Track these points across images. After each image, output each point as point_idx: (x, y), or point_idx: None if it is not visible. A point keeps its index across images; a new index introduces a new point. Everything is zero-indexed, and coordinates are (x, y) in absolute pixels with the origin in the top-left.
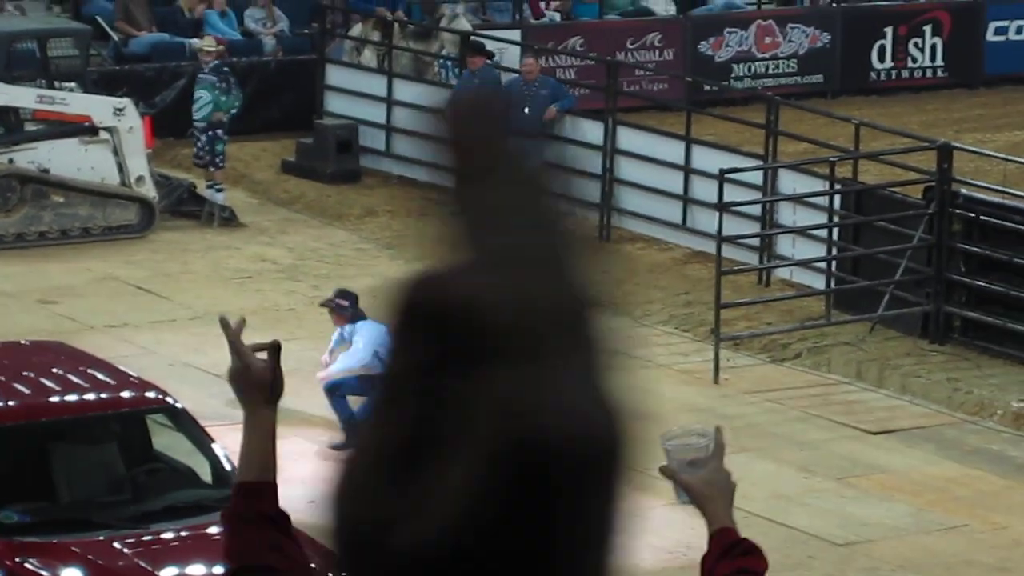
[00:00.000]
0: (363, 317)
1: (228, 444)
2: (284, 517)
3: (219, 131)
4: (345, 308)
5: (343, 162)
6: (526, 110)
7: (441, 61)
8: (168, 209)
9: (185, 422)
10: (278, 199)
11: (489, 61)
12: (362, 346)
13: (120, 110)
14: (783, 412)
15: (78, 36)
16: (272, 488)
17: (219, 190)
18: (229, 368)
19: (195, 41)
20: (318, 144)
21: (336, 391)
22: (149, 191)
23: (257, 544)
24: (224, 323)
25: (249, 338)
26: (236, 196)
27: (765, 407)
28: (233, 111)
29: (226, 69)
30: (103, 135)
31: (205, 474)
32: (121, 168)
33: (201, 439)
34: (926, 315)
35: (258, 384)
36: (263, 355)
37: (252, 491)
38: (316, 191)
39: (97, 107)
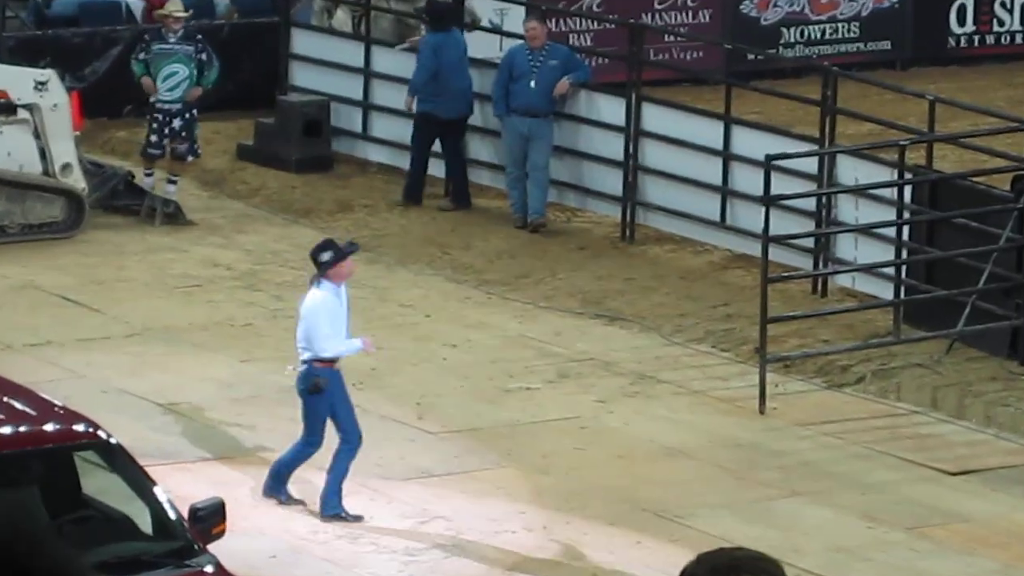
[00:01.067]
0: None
1: (172, 487)
2: None
3: (194, 111)
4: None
5: (312, 147)
6: (532, 84)
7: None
8: (100, 203)
9: (120, 461)
10: (233, 191)
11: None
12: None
13: (42, 84)
14: (843, 448)
15: None
16: None
17: (172, 181)
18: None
19: (162, 9)
20: (281, 125)
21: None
22: (77, 181)
23: None
24: None
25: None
26: (183, 188)
27: (821, 442)
28: (210, 86)
29: (200, 36)
30: (21, 114)
31: (144, 524)
32: (43, 154)
33: (140, 481)
34: (1015, 331)
35: None
36: None
37: None
38: (279, 181)
39: (14, 80)
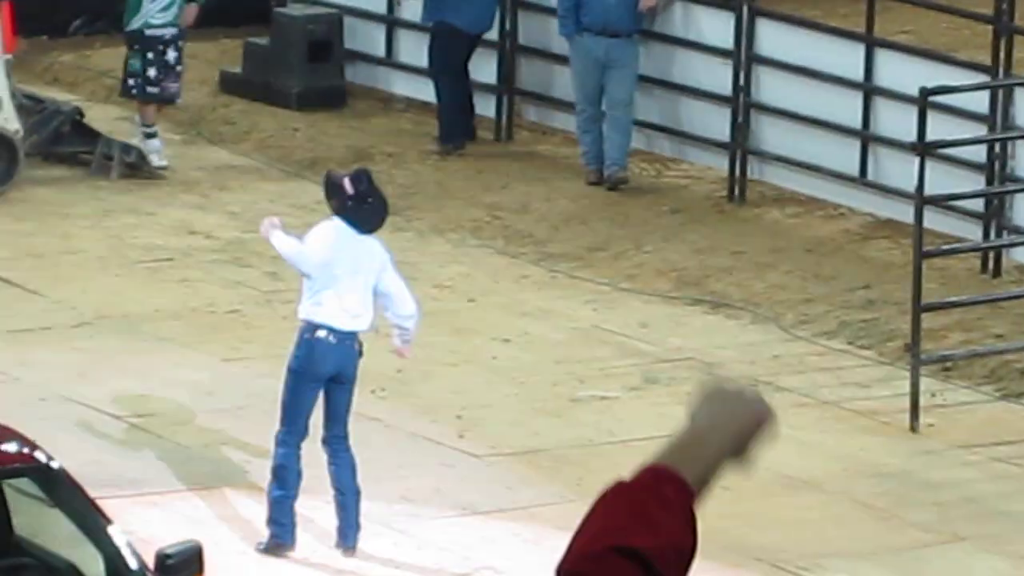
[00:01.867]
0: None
1: (133, 526)
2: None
3: (181, 41)
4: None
5: (318, 76)
6: None
7: None
8: (40, 150)
9: (64, 491)
10: (214, 135)
11: None
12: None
13: None
14: (1020, 479)
15: None
16: (693, 502)
17: (150, 133)
18: (752, 393)
19: None
20: (279, 46)
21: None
22: (9, 121)
23: (656, 528)
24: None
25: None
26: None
27: (992, 471)
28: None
29: None
30: None
31: (95, 573)
32: None
33: (89, 519)
34: None
35: (757, 434)
36: None
37: (676, 487)
38: (274, 122)
39: None
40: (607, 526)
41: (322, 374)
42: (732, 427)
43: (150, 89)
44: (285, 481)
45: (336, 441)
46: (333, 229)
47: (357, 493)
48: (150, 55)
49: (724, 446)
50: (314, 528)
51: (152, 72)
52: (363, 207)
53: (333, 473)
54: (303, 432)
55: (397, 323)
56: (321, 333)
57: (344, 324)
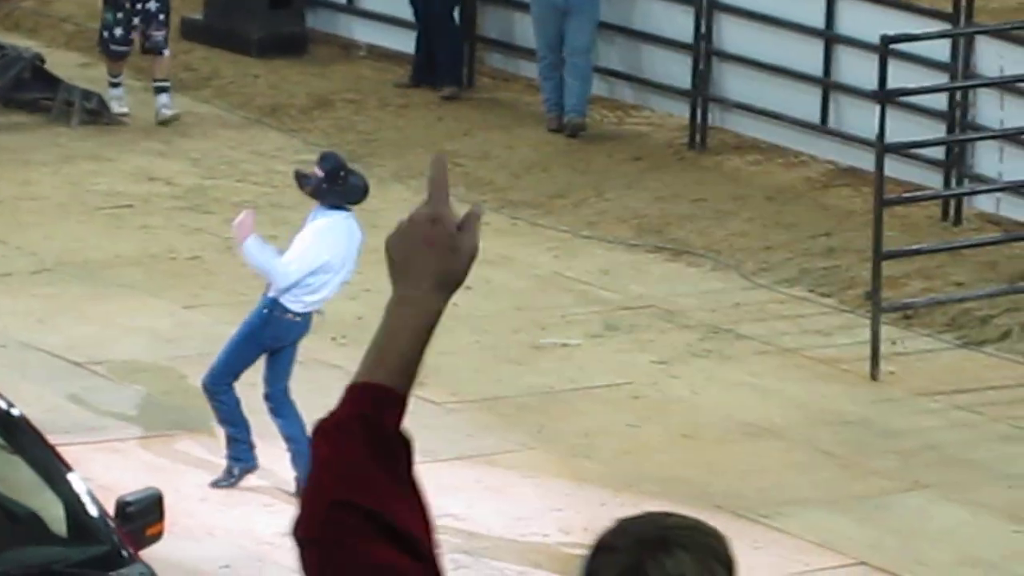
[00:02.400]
0: (335, 202)
1: (93, 473)
2: (407, 445)
3: None
4: (309, 180)
5: (279, 21)
6: None
7: None
8: (0, 96)
9: (24, 440)
10: (176, 81)
11: None
12: (303, 246)
13: None
14: (981, 427)
15: None
16: (402, 403)
17: (162, 88)
18: (407, 217)
19: None
20: None
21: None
22: None
23: (367, 469)
24: (438, 160)
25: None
26: (102, 78)
27: (953, 418)
28: None
29: None
30: None
31: (55, 521)
32: None
33: (49, 466)
34: None
35: (438, 253)
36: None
37: (376, 397)
38: (235, 68)
39: None
40: (323, 481)
41: (276, 346)
42: (418, 264)
43: (115, 47)
44: (239, 422)
45: (281, 395)
46: (314, 237)
47: (309, 440)
48: (120, 14)
49: (426, 290)
50: (272, 476)
51: (119, 31)
52: (337, 184)
53: (281, 426)
54: (238, 377)
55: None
56: (288, 316)
57: (313, 307)
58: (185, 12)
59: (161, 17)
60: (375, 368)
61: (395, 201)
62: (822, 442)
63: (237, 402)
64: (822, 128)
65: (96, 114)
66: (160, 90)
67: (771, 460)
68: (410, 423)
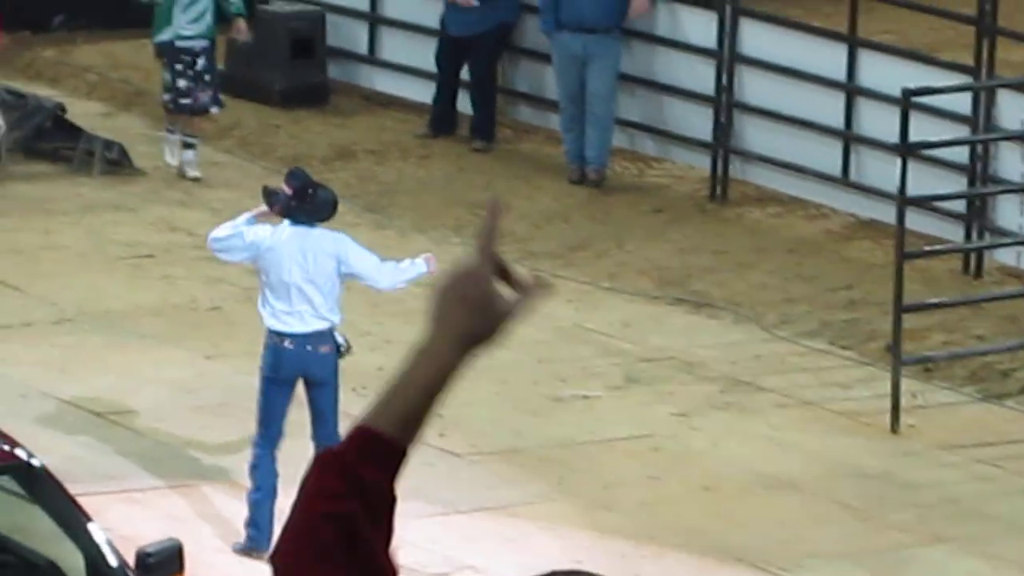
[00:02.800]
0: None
1: (113, 523)
2: (388, 499)
3: (212, 51)
4: (278, 198)
5: (302, 73)
6: None
7: None
8: (21, 146)
9: (45, 489)
10: (197, 131)
11: None
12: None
13: None
14: (1001, 480)
15: None
16: (397, 454)
17: (190, 144)
18: (456, 266)
19: None
20: (262, 43)
21: None
22: None
23: (348, 495)
24: (493, 206)
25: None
26: (130, 124)
27: (972, 472)
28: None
29: None
30: None
31: (75, 571)
32: None
33: (70, 516)
34: None
35: (468, 309)
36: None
37: (366, 445)
38: (257, 118)
39: None
40: (301, 510)
41: (287, 378)
42: (454, 318)
43: (182, 101)
44: (260, 483)
45: (323, 441)
46: (271, 228)
47: None
48: (178, 67)
49: (454, 340)
50: None
51: (182, 83)
52: (305, 201)
53: None
54: (277, 435)
55: (394, 288)
56: (278, 339)
57: (299, 327)
58: None
59: (207, 77)
60: (379, 413)
61: (414, 252)
62: (842, 495)
63: (268, 469)
64: (843, 181)
65: (117, 164)
66: (188, 145)
67: (791, 513)
68: (430, 474)
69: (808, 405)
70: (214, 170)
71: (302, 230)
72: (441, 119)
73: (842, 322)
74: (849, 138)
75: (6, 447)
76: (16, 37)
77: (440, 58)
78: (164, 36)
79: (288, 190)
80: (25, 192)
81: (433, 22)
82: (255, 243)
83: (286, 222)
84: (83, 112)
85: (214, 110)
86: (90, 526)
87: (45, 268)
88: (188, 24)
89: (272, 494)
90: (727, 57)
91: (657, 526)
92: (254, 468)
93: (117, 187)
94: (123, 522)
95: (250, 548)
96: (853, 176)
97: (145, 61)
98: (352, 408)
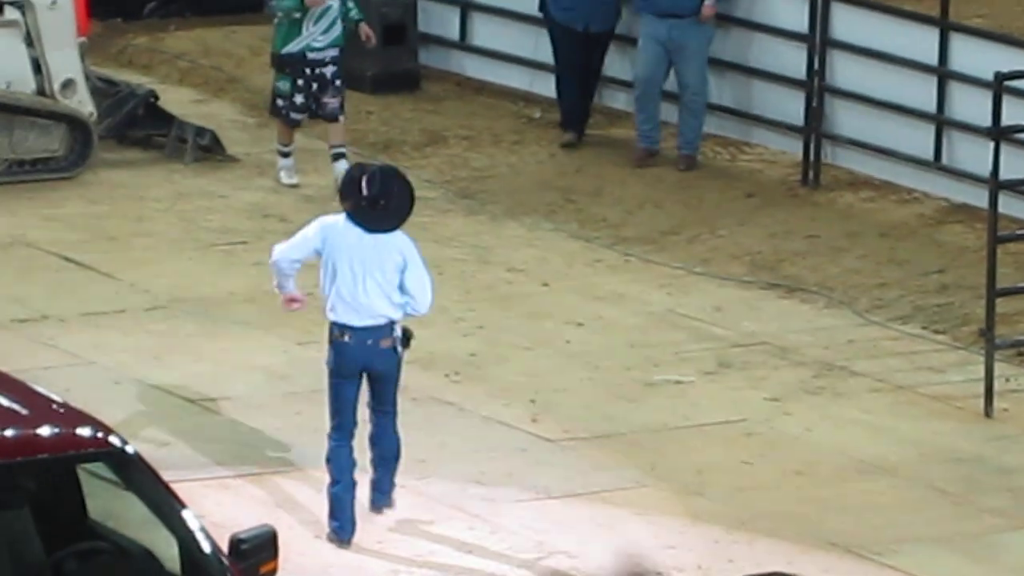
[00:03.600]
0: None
1: (207, 510)
2: None
3: (340, 59)
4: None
5: (392, 59)
6: None
7: None
8: (114, 133)
9: (139, 476)
10: (344, 139)
11: None
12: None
13: None
14: None
15: None
16: None
17: (339, 154)
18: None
19: None
20: (354, 29)
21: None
22: (83, 104)
23: None
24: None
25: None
26: (222, 111)
27: None
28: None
29: None
30: (9, 14)
31: (169, 558)
32: (38, 67)
33: (164, 503)
34: None
35: None
36: None
37: None
38: (350, 104)
39: None
40: None
41: (350, 373)
42: None
43: (294, 114)
44: (337, 476)
45: (382, 414)
46: (318, 225)
47: (395, 464)
48: (300, 81)
49: None
50: (385, 515)
51: (300, 98)
52: (374, 210)
53: (375, 449)
54: (350, 425)
55: (411, 312)
56: (337, 332)
57: (356, 322)
58: None
59: (337, 83)
60: None
61: (508, 238)
62: (935, 480)
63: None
64: (935, 165)
65: (209, 151)
66: (337, 156)
67: (884, 497)
68: (523, 460)
69: (901, 389)
70: (306, 156)
71: (363, 232)
72: (581, 116)
73: (935, 306)
74: (941, 122)
75: (100, 434)
76: (108, 24)
77: (575, 54)
78: (294, 47)
79: (365, 191)
80: (117, 179)
81: (524, 7)
82: (323, 228)
83: (341, 218)
84: (175, 99)
85: (342, 118)
86: (184, 513)
87: (137, 255)
88: (320, 36)
89: (351, 485)
90: (819, 41)
91: (750, 511)
92: (329, 460)
93: (209, 174)
94: (216, 509)
95: (334, 539)
96: (945, 160)
97: (237, 48)
98: (444, 394)
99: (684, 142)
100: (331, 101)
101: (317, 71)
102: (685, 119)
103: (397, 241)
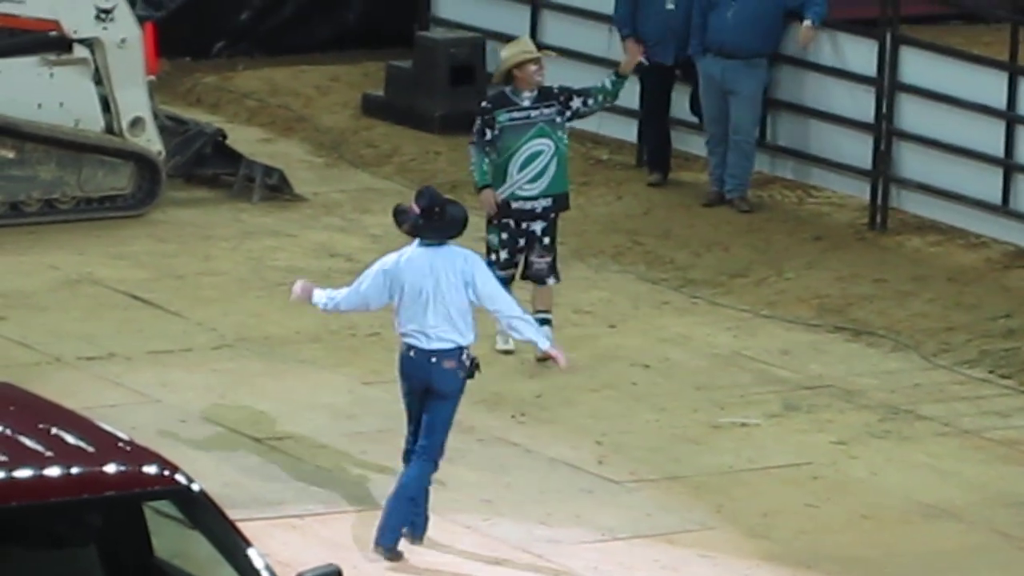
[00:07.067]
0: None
1: (272, 549)
2: None
3: (554, 212)
4: (407, 217)
5: (461, 99)
6: (729, 13)
7: None
8: (182, 171)
9: (205, 514)
10: (356, 157)
11: None
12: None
13: (106, 12)
14: None
15: None
16: None
17: (545, 320)
18: None
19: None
20: (422, 70)
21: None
22: (151, 142)
23: None
24: None
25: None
26: (290, 150)
27: None
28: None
29: (558, 87)
30: (78, 52)
31: None
32: (107, 105)
33: (229, 541)
34: None
35: None
36: None
37: None
38: (418, 145)
39: (69, 7)
40: None
41: (415, 388)
42: None
43: (501, 272)
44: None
45: (418, 451)
46: (379, 263)
47: (409, 502)
48: (504, 235)
49: None
50: (450, 551)
51: (505, 254)
52: (433, 219)
53: (402, 475)
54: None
55: (507, 324)
56: (405, 348)
57: (426, 344)
58: (367, 89)
59: (546, 241)
60: None
61: (575, 280)
62: (1000, 524)
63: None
64: (1003, 209)
65: (277, 190)
66: (542, 323)
67: (950, 542)
68: (589, 501)
69: (967, 434)
70: (373, 196)
71: (431, 248)
72: (665, 156)
73: (1002, 351)
74: (1009, 166)
75: (166, 472)
76: (177, 63)
77: (662, 91)
78: (498, 194)
79: (416, 209)
80: (185, 218)
81: (593, 48)
82: (385, 273)
83: (415, 242)
84: (243, 138)
85: (551, 281)
86: (249, 551)
87: (205, 294)
88: (526, 184)
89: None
90: (887, 84)
91: (815, 554)
92: (404, 460)
93: (276, 213)
94: (281, 548)
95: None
96: (1013, 204)
97: (305, 88)
98: (510, 435)
99: (733, 184)
100: (538, 261)
101: (524, 225)
102: (734, 160)
103: (458, 262)
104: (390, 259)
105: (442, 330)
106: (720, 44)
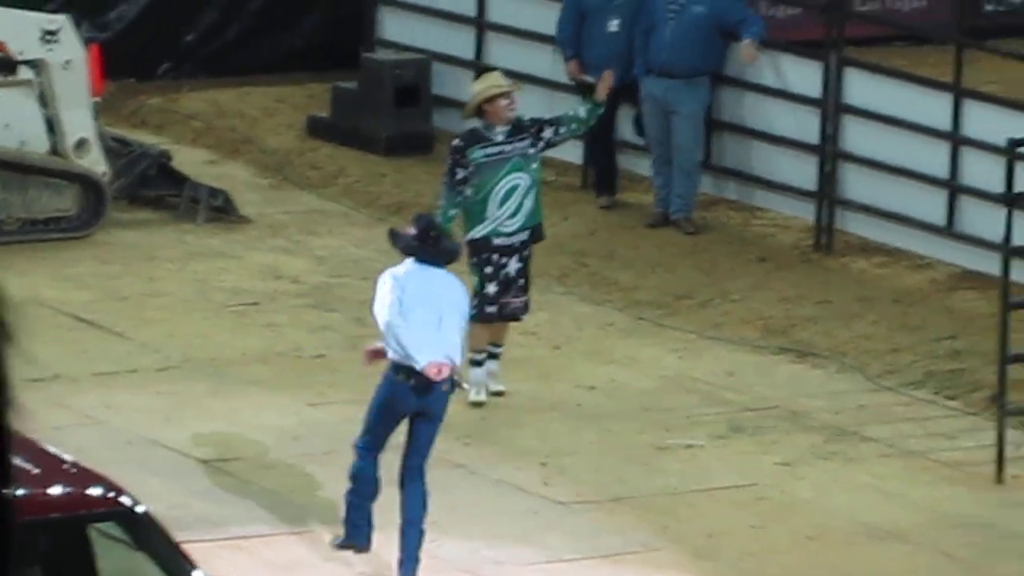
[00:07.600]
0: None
1: (219, 571)
2: None
3: (528, 250)
4: (401, 238)
5: (407, 120)
6: (667, 34)
7: None
8: (126, 193)
9: (150, 536)
10: (301, 179)
11: None
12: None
13: (52, 34)
14: None
15: None
16: None
17: (493, 354)
18: None
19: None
20: (367, 92)
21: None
22: (96, 163)
23: None
24: None
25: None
26: (235, 172)
27: None
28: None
29: (530, 119)
30: (23, 73)
31: None
32: (52, 126)
33: (175, 563)
34: None
35: None
36: None
37: None
38: (363, 167)
39: (14, 28)
40: None
41: (400, 414)
42: None
43: (488, 309)
44: (361, 490)
45: (411, 473)
46: (389, 276)
47: (420, 530)
48: (488, 269)
49: None
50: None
51: (491, 289)
52: (428, 243)
53: (403, 503)
54: (381, 445)
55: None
56: (396, 375)
57: (408, 361)
58: (312, 110)
59: (521, 282)
60: None
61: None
62: (946, 546)
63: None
64: (948, 231)
65: (222, 211)
66: (491, 356)
67: (895, 563)
68: (534, 522)
69: (912, 455)
70: (319, 218)
71: (426, 268)
72: (613, 178)
73: (947, 372)
74: (954, 188)
75: (111, 494)
76: (122, 84)
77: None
78: (478, 233)
79: (413, 229)
80: (129, 239)
81: (537, 69)
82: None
83: (409, 260)
84: (188, 160)
85: (523, 318)
86: (195, 573)
87: (150, 315)
88: (507, 220)
89: (372, 500)
90: (832, 106)
91: None
92: (355, 477)
93: (221, 235)
94: (228, 570)
95: (349, 544)
96: (958, 226)
97: (250, 109)
98: (456, 456)
99: (678, 205)
100: (514, 301)
101: (502, 262)
102: (679, 180)
103: (453, 285)
104: (386, 279)
105: (435, 350)
106: (660, 64)
